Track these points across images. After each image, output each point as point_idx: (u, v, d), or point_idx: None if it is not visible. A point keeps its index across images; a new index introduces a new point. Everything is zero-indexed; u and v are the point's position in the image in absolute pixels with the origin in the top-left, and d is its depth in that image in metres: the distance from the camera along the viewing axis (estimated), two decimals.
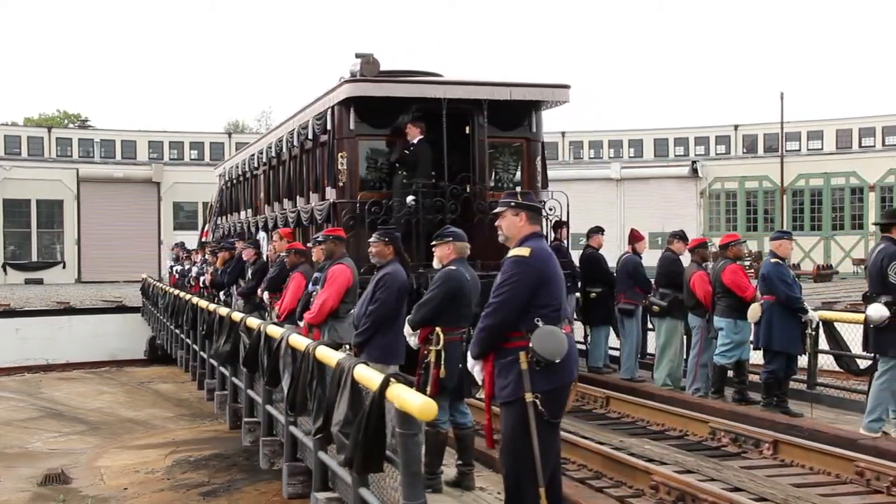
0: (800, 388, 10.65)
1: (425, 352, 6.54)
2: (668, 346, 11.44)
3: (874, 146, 45.35)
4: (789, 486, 7.05)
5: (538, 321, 5.04)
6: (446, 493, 6.80)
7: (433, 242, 7.00)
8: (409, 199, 12.53)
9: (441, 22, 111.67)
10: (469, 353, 5.36)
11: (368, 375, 5.29)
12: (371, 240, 7.49)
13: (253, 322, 9.56)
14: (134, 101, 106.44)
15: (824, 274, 38.43)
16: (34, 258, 45.97)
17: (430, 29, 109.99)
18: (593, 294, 13.24)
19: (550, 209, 13.32)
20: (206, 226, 27.84)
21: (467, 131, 13.38)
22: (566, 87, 13.66)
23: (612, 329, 13.18)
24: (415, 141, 12.70)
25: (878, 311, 8.21)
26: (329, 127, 13.26)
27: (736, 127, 48.44)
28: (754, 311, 9.94)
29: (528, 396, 5.00)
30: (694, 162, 46.96)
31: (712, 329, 10.67)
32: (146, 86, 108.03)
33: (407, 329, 6.56)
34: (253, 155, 19.44)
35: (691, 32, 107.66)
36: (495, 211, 5.47)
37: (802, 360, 10.55)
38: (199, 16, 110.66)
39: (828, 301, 23.88)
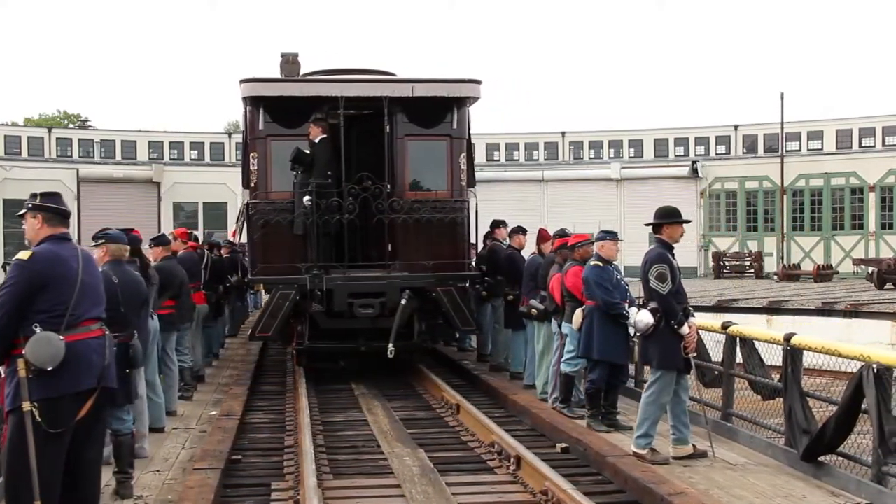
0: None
1: None
2: (546, 351, 10.71)
3: (874, 146, 45.09)
4: None
5: (36, 327, 4.94)
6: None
7: (92, 244, 6.79)
8: (306, 199, 12.25)
9: (442, 22, 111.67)
10: None
11: None
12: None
13: None
14: (134, 101, 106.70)
15: (824, 274, 38.22)
16: None
17: (430, 29, 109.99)
18: (511, 297, 12.53)
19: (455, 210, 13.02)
20: (235, 226, 28.06)
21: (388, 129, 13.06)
22: (477, 82, 13.25)
23: None
24: (316, 140, 12.50)
25: (642, 318, 7.64)
26: (242, 128, 13.20)
27: (736, 127, 48.26)
28: (576, 318, 9.28)
29: (26, 405, 4.88)
30: (694, 162, 46.78)
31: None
32: (146, 86, 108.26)
33: None
34: None
35: (691, 32, 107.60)
36: (18, 213, 5.40)
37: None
38: (198, 16, 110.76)
39: (828, 301, 23.73)
